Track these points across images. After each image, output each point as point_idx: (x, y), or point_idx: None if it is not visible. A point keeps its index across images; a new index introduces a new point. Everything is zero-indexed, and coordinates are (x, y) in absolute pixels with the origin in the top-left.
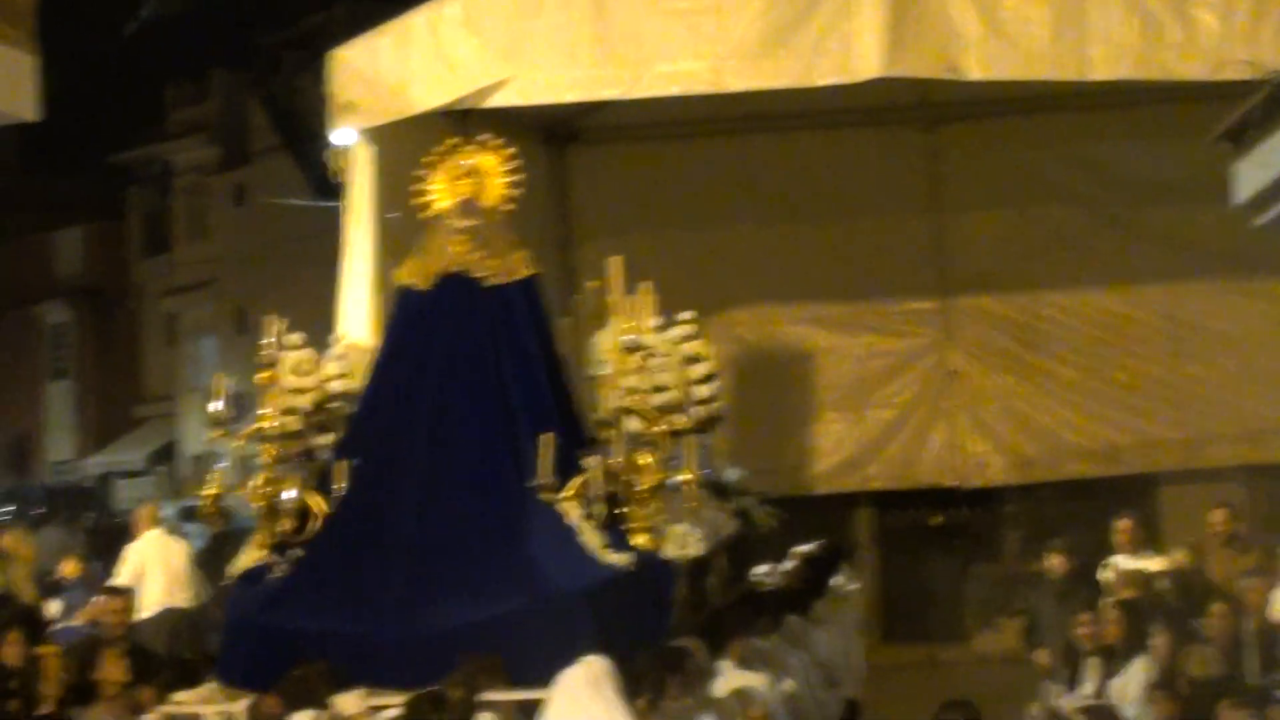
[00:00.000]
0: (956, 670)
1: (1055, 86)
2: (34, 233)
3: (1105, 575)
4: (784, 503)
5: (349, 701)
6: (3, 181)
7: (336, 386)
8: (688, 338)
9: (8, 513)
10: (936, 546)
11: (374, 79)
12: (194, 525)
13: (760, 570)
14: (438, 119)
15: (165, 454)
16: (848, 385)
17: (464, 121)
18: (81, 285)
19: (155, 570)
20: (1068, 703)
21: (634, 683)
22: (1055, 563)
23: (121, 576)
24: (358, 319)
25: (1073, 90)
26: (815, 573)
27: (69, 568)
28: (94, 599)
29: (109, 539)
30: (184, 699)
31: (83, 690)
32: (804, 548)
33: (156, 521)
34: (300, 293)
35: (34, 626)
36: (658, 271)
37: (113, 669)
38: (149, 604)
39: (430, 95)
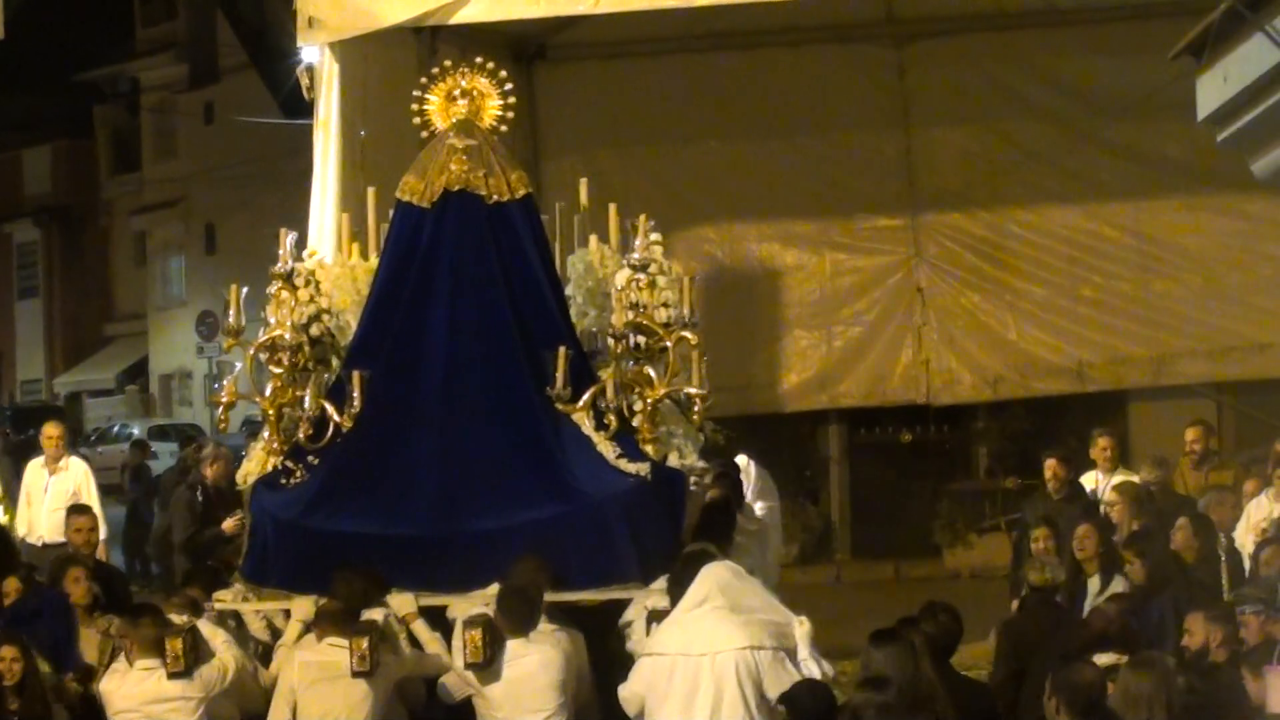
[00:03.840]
0: (925, 586)
1: (1022, 2)
2: (1, 151)
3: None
4: (754, 420)
5: (402, 602)
6: None
7: (323, 301)
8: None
9: None
10: (906, 464)
11: None
12: (165, 444)
13: None
14: (405, 36)
15: (135, 372)
16: (816, 303)
17: (431, 39)
18: (49, 204)
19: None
20: None
21: (677, 583)
22: (1051, 475)
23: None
24: (327, 235)
25: (1040, 6)
26: (734, 487)
27: None
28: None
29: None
30: (224, 597)
31: None
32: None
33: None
34: (268, 211)
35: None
36: (625, 189)
37: (74, 588)
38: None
39: (396, 10)
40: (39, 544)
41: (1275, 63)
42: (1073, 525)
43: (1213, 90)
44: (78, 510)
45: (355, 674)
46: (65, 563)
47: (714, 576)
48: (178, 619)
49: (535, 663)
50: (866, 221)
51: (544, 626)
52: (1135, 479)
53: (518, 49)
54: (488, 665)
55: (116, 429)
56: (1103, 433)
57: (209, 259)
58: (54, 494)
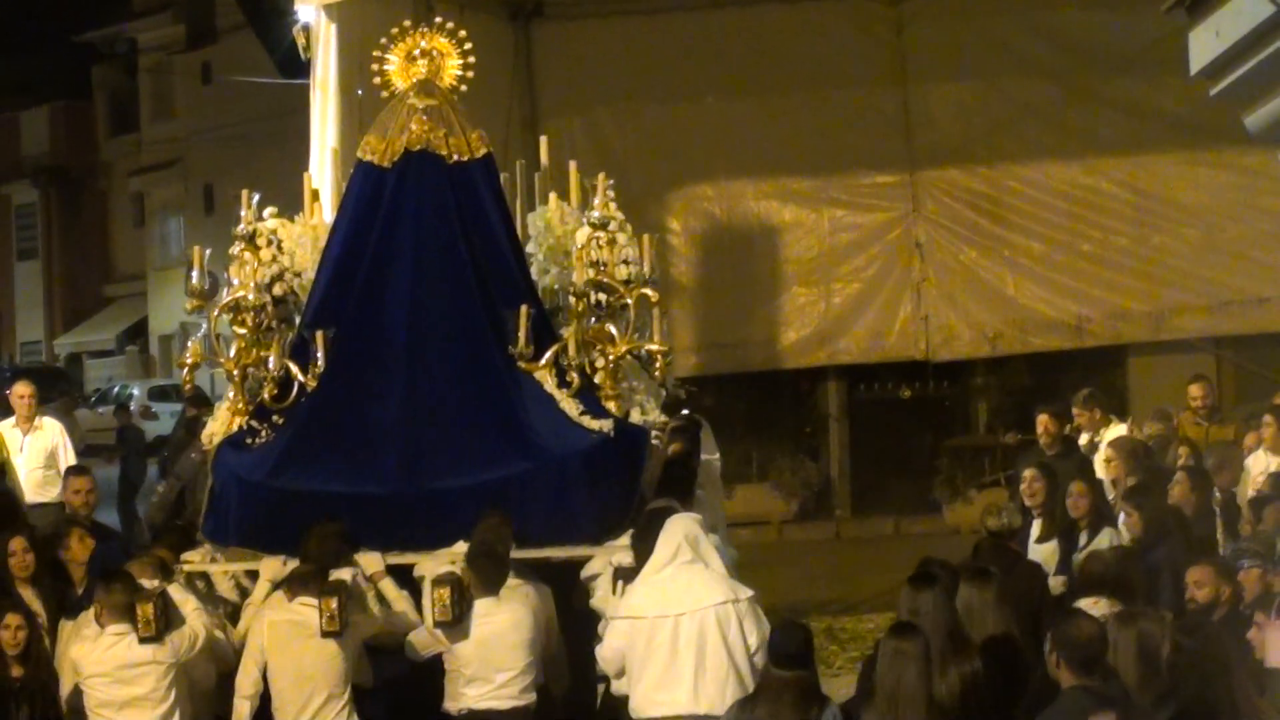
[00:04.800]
0: (925, 542)
1: None
2: None
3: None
4: (752, 377)
5: (370, 561)
6: None
7: (284, 261)
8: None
9: None
10: (905, 420)
11: None
12: (165, 404)
13: None
14: None
15: (134, 333)
16: (815, 259)
17: None
18: (48, 165)
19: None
20: None
21: (642, 539)
22: (1043, 430)
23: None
24: (326, 195)
25: None
26: (694, 441)
27: None
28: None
29: None
30: (192, 558)
31: (53, 570)
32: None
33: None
34: (267, 171)
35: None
36: (623, 147)
37: (78, 548)
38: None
39: None
40: None
41: (1266, 16)
42: (1066, 479)
43: (1205, 44)
44: (76, 471)
45: (325, 634)
46: (67, 525)
47: (681, 529)
48: (149, 584)
49: (505, 622)
50: (865, 178)
51: (512, 582)
52: (1126, 432)
53: (514, 7)
54: (456, 623)
55: (117, 390)
56: (1076, 397)
57: (208, 219)
58: (30, 453)
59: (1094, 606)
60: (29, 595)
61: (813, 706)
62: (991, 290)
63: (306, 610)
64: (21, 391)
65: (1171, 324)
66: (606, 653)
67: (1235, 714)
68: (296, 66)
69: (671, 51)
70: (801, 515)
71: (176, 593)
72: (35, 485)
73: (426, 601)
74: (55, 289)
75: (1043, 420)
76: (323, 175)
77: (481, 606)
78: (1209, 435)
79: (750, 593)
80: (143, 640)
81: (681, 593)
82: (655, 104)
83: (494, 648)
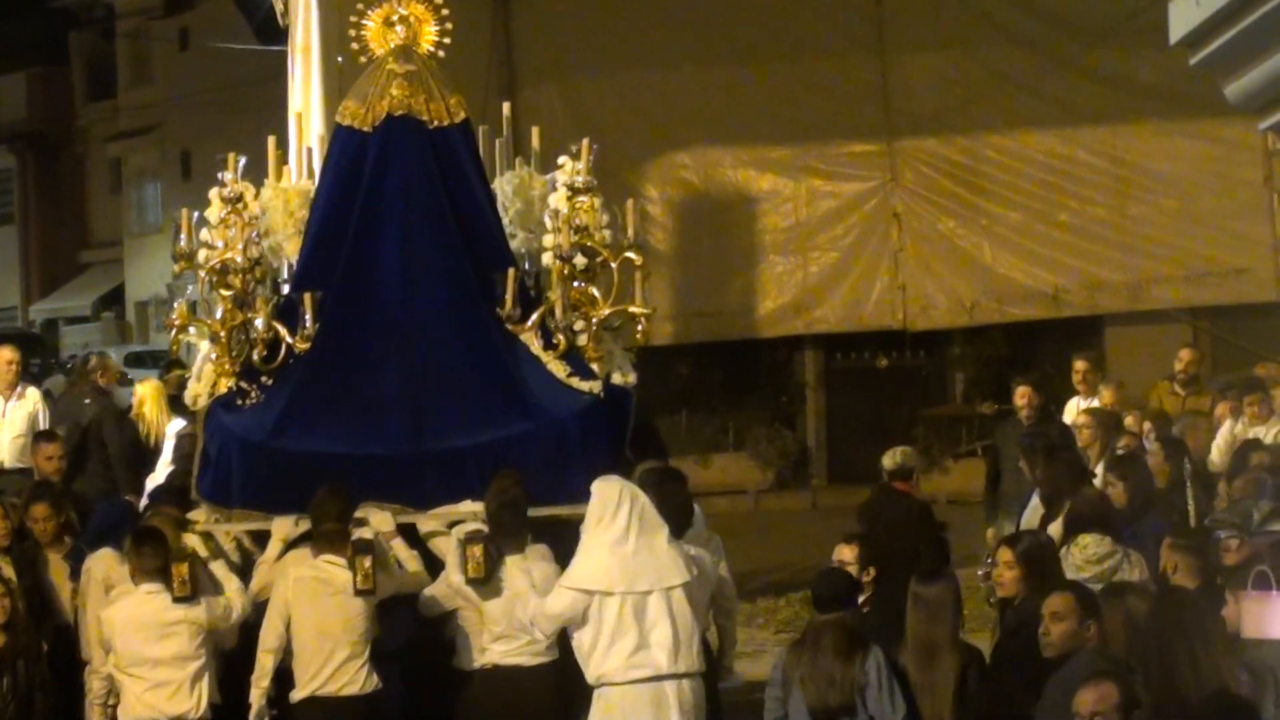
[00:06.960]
0: None
1: None
2: None
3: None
4: (729, 345)
5: (382, 520)
6: None
7: (261, 224)
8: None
9: None
10: (882, 389)
11: None
12: (141, 370)
13: None
14: None
15: (111, 299)
16: (792, 228)
17: None
18: (24, 130)
19: None
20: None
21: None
22: (1025, 402)
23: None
24: (309, 161)
25: None
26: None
27: None
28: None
29: None
30: (198, 518)
31: (23, 535)
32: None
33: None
34: (244, 137)
35: None
36: (601, 115)
37: (42, 512)
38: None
39: None
40: None
41: None
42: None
43: (1185, 12)
44: (45, 437)
45: (359, 593)
46: (40, 490)
47: (626, 495)
48: (185, 543)
49: (536, 577)
50: (843, 147)
51: (532, 541)
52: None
53: None
54: (488, 580)
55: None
56: (1078, 356)
57: (185, 185)
58: (13, 420)
59: (1099, 545)
60: (2, 562)
61: (857, 648)
62: (969, 260)
63: (331, 568)
64: (8, 357)
65: (1148, 294)
66: (552, 611)
67: (1199, 678)
68: (274, 32)
69: (649, 19)
70: (778, 485)
71: (219, 569)
72: (18, 452)
73: (455, 559)
74: (32, 254)
75: (1023, 391)
76: (312, 141)
77: (510, 563)
78: (1184, 406)
79: (696, 571)
80: (177, 600)
81: (645, 569)
82: (633, 71)
83: (522, 604)
